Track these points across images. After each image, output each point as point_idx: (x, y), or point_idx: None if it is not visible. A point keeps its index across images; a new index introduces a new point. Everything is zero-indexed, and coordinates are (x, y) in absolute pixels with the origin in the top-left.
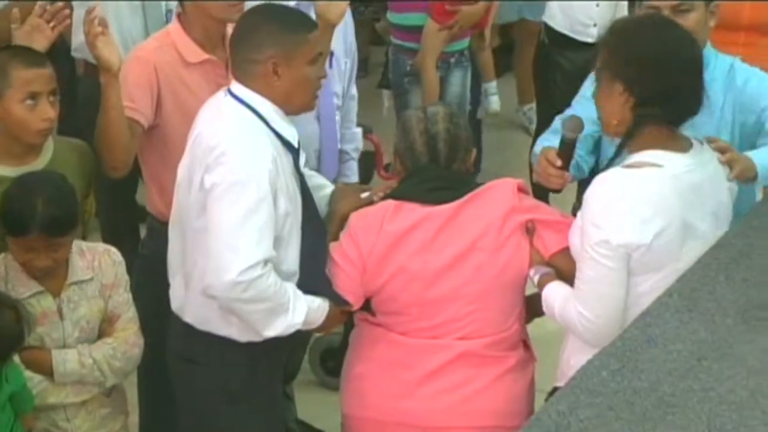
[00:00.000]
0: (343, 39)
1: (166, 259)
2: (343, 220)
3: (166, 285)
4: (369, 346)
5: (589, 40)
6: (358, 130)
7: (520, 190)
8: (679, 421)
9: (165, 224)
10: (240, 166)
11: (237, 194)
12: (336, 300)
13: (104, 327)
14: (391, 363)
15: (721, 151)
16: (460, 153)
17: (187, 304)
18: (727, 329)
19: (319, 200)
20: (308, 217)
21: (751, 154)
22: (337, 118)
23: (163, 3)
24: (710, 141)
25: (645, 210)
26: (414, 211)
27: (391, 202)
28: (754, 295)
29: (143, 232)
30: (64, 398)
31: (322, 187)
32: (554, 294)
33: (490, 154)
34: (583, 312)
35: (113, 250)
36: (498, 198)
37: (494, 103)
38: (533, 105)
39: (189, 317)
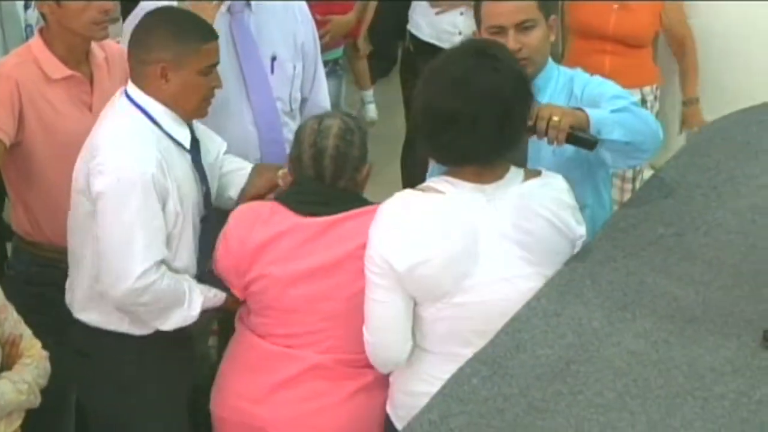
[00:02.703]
0: (293, 42)
1: (33, 279)
2: (252, 199)
3: (33, 306)
4: (236, 346)
5: None
6: None
7: None
8: (549, 426)
9: (31, 243)
10: (122, 174)
11: (123, 202)
12: (227, 291)
13: (7, 351)
14: (249, 366)
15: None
16: (348, 171)
17: (75, 301)
18: (594, 332)
19: (239, 179)
20: (206, 214)
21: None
22: (289, 123)
23: (23, 18)
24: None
25: (409, 236)
26: (287, 218)
27: (267, 203)
28: (619, 296)
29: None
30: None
31: (241, 168)
32: None
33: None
34: (365, 332)
35: None
36: (362, 226)
37: (371, 111)
38: None
39: (79, 315)
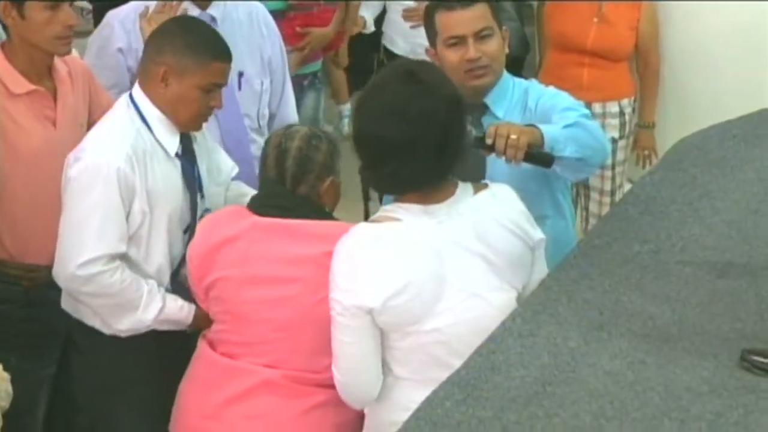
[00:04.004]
0: (260, 57)
1: None
2: None
3: None
4: (194, 362)
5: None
6: None
7: None
8: None
9: None
10: (92, 163)
11: (84, 190)
12: (196, 303)
13: None
14: (204, 382)
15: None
16: (310, 176)
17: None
18: (570, 352)
19: None
20: (189, 224)
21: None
22: (257, 140)
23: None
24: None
25: (375, 270)
26: (247, 218)
27: (230, 207)
28: (594, 316)
29: None
30: None
31: (244, 195)
32: None
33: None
34: (335, 372)
35: None
36: (323, 235)
37: (347, 125)
38: None
39: (63, 303)
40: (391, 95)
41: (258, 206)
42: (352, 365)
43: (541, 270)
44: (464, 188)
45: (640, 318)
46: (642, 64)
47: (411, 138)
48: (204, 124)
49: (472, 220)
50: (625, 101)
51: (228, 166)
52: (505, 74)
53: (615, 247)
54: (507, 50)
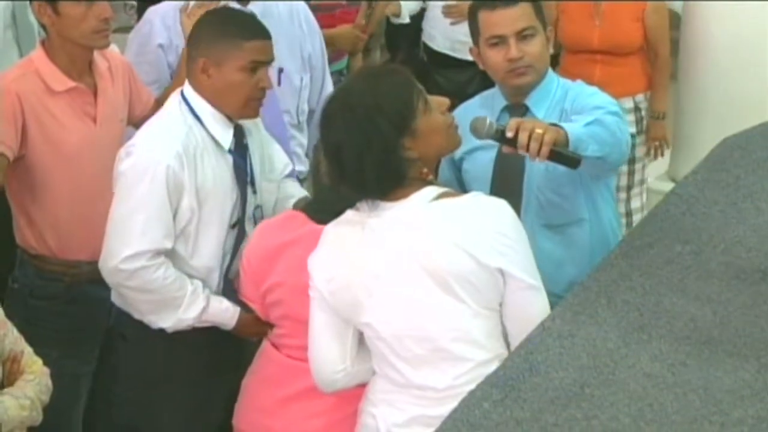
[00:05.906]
0: (300, 54)
1: (36, 292)
2: None
3: (36, 321)
4: (257, 359)
5: (469, 58)
6: None
7: None
8: None
9: (35, 257)
10: (141, 158)
11: (132, 186)
12: (241, 305)
13: (8, 367)
14: (265, 378)
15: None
16: None
17: None
18: (609, 354)
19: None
20: (238, 219)
21: (563, 124)
22: (297, 135)
23: (36, 29)
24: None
25: (324, 253)
26: (303, 224)
27: (285, 212)
28: (635, 317)
29: None
30: None
31: (293, 196)
32: None
33: None
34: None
35: None
36: None
37: None
38: None
39: (113, 297)
40: (325, 109)
41: (313, 212)
42: (314, 340)
43: (526, 306)
44: (427, 192)
45: (681, 320)
46: (652, 55)
47: (329, 155)
48: (260, 109)
49: (418, 226)
50: (639, 96)
51: (282, 162)
52: (550, 74)
53: (656, 247)
54: (551, 50)
